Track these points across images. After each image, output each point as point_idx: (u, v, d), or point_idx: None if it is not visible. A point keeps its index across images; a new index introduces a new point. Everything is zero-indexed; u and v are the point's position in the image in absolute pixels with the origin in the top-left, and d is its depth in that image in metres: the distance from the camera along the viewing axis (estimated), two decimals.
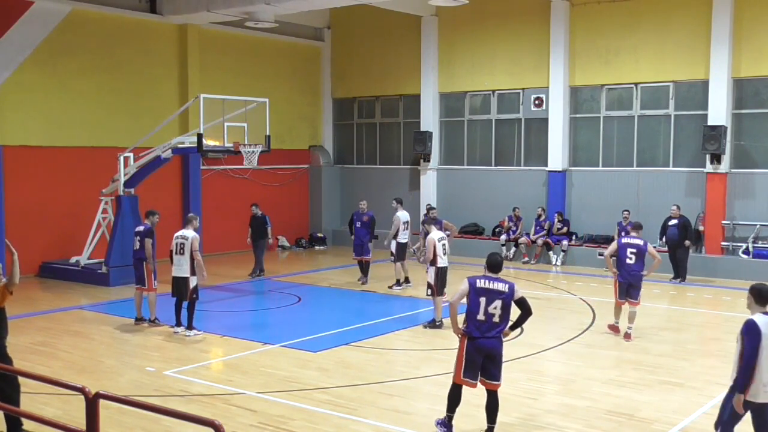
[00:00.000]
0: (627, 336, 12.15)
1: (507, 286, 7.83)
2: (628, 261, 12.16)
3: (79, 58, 19.07)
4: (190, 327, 12.48)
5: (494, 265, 7.99)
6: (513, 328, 7.95)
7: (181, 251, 12.44)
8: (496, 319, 7.73)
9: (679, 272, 17.66)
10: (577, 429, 8.28)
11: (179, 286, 12.49)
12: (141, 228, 13.36)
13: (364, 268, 17.41)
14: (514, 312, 7.84)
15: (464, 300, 7.93)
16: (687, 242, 17.50)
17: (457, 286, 8.31)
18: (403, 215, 16.87)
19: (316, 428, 8.29)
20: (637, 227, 12.65)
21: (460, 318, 7.98)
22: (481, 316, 7.73)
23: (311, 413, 8.76)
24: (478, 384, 7.90)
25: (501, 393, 9.42)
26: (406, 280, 16.82)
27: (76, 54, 18.99)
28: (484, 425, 8.17)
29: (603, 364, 10.84)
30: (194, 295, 12.49)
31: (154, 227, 13.29)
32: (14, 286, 7.60)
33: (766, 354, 6.40)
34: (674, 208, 17.79)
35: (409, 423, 8.41)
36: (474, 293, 7.78)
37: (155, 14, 20.40)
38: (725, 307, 15.03)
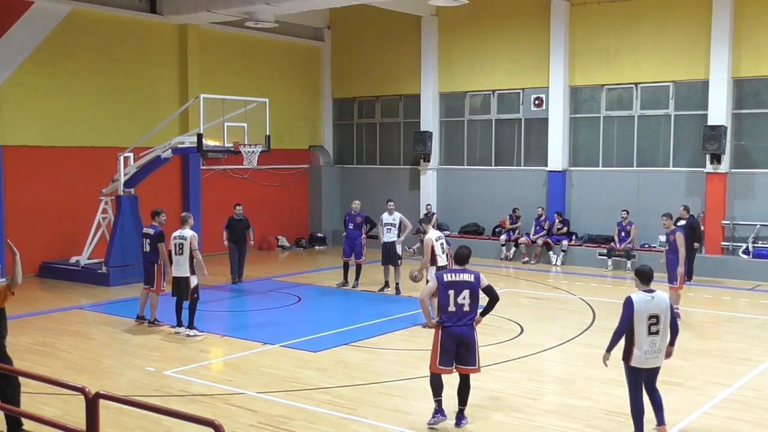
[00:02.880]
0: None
1: (473, 276, 8.29)
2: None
3: (79, 58, 19.07)
4: (191, 327, 12.48)
5: (461, 258, 8.44)
6: (483, 314, 8.44)
7: (180, 251, 12.46)
8: (466, 308, 8.18)
9: (685, 272, 17.56)
10: (577, 429, 8.29)
11: (179, 286, 12.51)
12: (151, 231, 13.16)
13: (357, 270, 17.08)
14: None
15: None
16: (696, 244, 17.25)
17: None
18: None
19: (316, 428, 8.29)
20: (669, 216, 13.99)
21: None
22: (452, 308, 8.15)
23: (311, 413, 8.76)
24: (454, 370, 8.30)
25: (501, 393, 9.47)
26: (386, 285, 16.45)
27: (76, 54, 18.99)
28: (485, 424, 8.18)
29: (603, 364, 10.80)
30: (195, 295, 12.49)
31: (162, 228, 13.18)
32: (16, 287, 7.61)
33: (641, 326, 7.54)
34: (681, 208, 17.65)
35: (409, 423, 8.41)
36: (443, 287, 8.19)
37: (155, 14, 20.39)
38: (725, 307, 15.04)
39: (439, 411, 8.27)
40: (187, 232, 12.50)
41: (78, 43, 19.00)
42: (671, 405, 9.04)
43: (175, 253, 12.54)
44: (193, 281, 12.45)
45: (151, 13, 20.35)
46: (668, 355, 7.91)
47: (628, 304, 7.61)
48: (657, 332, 7.58)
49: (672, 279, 13.29)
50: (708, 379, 10.14)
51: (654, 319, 7.57)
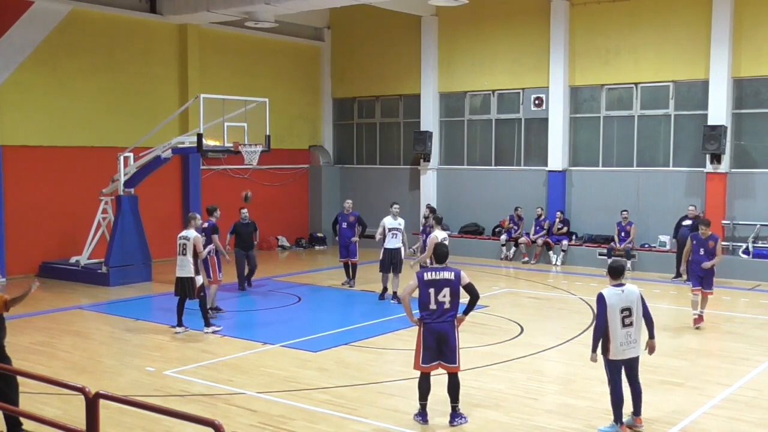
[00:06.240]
0: (699, 320, 13.12)
1: (453, 273, 8.32)
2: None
3: (79, 58, 19.07)
4: (207, 324, 12.62)
5: (440, 256, 8.50)
6: (465, 313, 8.46)
7: (183, 252, 12.53)
8: (447, 306, 8.24)
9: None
10: (577, 429, 8.29)
11: (183, 286, 12.59)
12: (205, 224, 13.81)
13: (352, 270, 17.05)
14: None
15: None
16: None
17: None
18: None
19: (316, 428, 8.29)
20: (707, 224, 13.49)
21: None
22: (433, 306, 8.24)
23: (311, 413, 8.76)
24: (439, 368, 8.34)
25: (501, 393, 9.47)
26: (385, 290, 15.55)
27: (76, 54, 18.99)
28: (485, 424, 8.18)
29: (603, 364, 10.80)
30: (202, 293, 12.66)
31: (216, 222, 13.88)
32: (14, 306, 7.72)
33: (615, 320, 7.84)
34: (692, 207, 17.68)
35: (409, 423, 8.41)
36: (423, 286, 8.28)
37: (155, 14, 20.40)
38: (725, 307, 15.03)
39: (421, 414, 8.39)
40: (191, 233, 12.58)
41: (78, 43, 19.00)
42: (671, 405, 9.05)
43: (179, 254, 12.60)
44: (198, 281, 12.57)
45: (151, 13, 20.35)
46: (651, 349, 8.21)
47: (601, 299, 7.94)
48: (631, 324, 7.88)
49: (708, 285, 13.06)
50: (708, 379, 10.14)
51: (626, 311, 7.89)
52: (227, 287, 17.13)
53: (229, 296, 16.44)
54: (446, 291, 8.21)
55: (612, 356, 7.90)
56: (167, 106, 20.38)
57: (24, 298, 7.73)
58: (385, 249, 15.32)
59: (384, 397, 9.37)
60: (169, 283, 16.93)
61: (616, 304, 7.87)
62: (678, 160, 19.65)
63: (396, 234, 15.35)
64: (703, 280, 13.10)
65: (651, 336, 8.13)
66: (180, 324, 12.64)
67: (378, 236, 15.53)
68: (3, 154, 17.52)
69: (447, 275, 8.27)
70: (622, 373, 8.01)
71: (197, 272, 12.52)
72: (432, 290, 8.21)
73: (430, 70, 22.94)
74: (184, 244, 12.53)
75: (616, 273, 8.04)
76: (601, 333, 7.90)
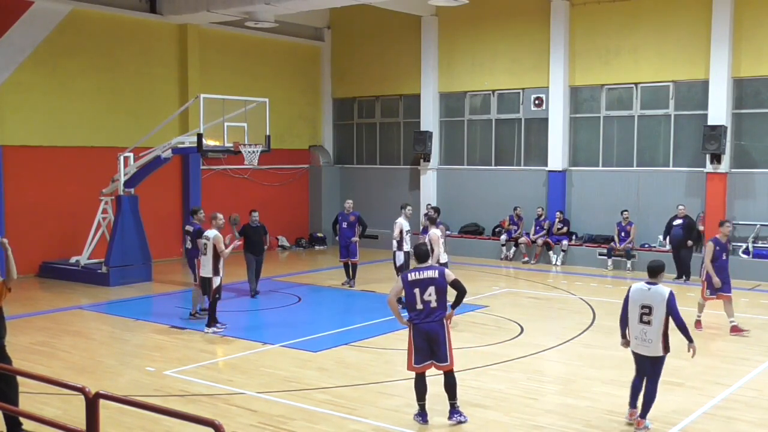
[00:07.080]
0: (737, 329, 12.68)
1: (437, 272, 8.35)
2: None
3: (79, 58, 19.07)
4: (209, 324, 12.66)
5: (421, 255, 8.52)
6: (453, 307, 8.52)
7: (205, 252, 12.64)
8: (433, 304, 8.24)
9: (683, 272, 17.70)
10: (577, 429, 8.29)
11: (204, 285, 12.76)
12: (190, 228, 13.95)
13: (352, 270, 17.06)
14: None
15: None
16: (689, 242, 17.61)
17: None
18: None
19: (316, 428, 8.30)
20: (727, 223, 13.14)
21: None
22: (419, 306, 8.25)
23: (311, 413, 8.76)
24: (433, 368, 8.38)
25: (501, 393, 9.47)
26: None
27: (76, 54, 18.99)
28: (485, 424, 8.17)
29: (603, 364, 10.83)
30: (217, 295, 12.73)
31: (202, 225, 13.80)
32: (12, 283, 7.66)
33: (633, 314, 8.12)
34: (681, 207, 17.87)
35: (409, 423, 8.42)
36: (408, 287, 8.29)
37: (155, 14, 20.40)
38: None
39: (421, 414, 8.40)
40: (211, 233, 12.67)
41: (78, 43, 19.00)
42: (671, 405, 9.05)
43: (201, 254, 12.77)
44: (216, 281, 12.65)
45: (151, 13, 20.35)
46: (693, 352, 8.29)
47: (627, 291, 8.28)
48: (648, 322, 8.01)
49: (729, 288, 12.77)
50: (708, 379, 10.14)
51: (646, 309, 8.02)
52: (228, 288, 17.14)
53: (229, 296, 16.43)
54: (431, 290, 8.21)
55: (630, 347, 8.26)
56: (167, 106, 20.38)
57: (10, 261, 7.63)
58: (406, 252, 15.07)
59: (384, 397, 9.37)
60: (168, 282, 16.98)
61: (637, 299, 8.10)
62: (678, 160, 19.65)
63: (410, 236, 15.32)
64: (723, 284, 12.77)
65: (689, 340, 8.20)
66: (214, 322, 12.76)
67: (395, 238, 15.16)
68: (3, 154, 17.52)
69: (431, 274, 8.29)
70: (641, 368, 8.21)
71: (216, 272, 12.61)
72: (417, 290, 8.22)
73: (430, 70, 22.94)
74: (206, 244, 12.64)
75: (650, 272, 8.23)
76: (622, 322, 8.31)
